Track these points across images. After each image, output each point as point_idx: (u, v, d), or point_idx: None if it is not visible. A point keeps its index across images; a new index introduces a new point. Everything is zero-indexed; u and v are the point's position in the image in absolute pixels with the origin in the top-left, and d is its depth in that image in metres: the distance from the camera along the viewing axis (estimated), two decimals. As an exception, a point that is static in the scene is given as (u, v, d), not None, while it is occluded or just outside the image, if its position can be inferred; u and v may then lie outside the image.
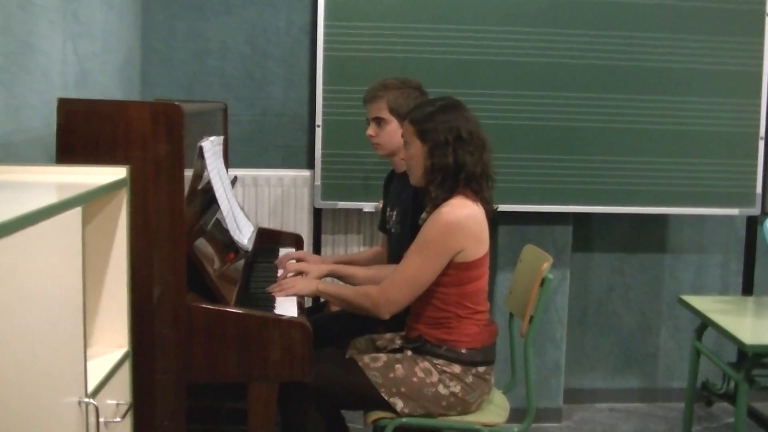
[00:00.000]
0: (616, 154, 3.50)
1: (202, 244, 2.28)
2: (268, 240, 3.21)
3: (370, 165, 3.38)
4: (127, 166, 1.70)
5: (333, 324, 2.85)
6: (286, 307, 2.39)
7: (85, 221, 1.41)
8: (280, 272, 2.74)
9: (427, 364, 2.40)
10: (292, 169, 3.56)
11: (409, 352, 2.45)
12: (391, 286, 2.39)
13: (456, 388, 2.39)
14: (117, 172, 1.67)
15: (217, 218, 2.49)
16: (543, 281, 2.52)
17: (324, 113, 3.38)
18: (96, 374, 1.55)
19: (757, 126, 3.54)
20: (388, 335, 2.65)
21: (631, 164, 3.51)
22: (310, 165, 3.51)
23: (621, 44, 3.44)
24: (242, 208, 2.98)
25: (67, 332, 1.34)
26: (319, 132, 3.39)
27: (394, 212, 2.83)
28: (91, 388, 1.47)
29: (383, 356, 2.46)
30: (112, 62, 2.90)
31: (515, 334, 2.73)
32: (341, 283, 2.73)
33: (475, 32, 3.38)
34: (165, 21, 3.45)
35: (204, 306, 2.14)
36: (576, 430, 3.67)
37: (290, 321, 2.20)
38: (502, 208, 3.26)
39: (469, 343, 2.41)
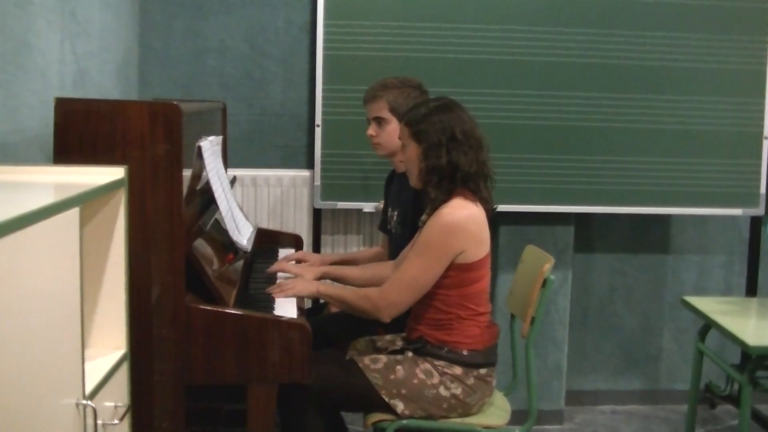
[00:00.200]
0: (618, 154, 3.49)
1: (200, 244, 2.27)
2: (268, 240, 3.21)
3: (369, 165, 3.37)
4: (125, 167, 1.70)
5: (333, 325, 2.84)
6: (286, 308, 2.38)
7: (83, 222, 1.41)
8: (280, 275, 2.73)
9: (428, 366, 2.39)
10: (292, 169, 3.55)
11: (410, 354, 2.44)
12: (392, 289, 2.38)
13: (457, 389, 2.38)
14: (115, 173, 1.67)
15: (216, 219, 2.48)
16: (544, 282, 2.51)
17: (323, 113, 3.37)
18: (94, 376, 1.55)
19: (761, 125, 3.53)
20: (389, 336, 2.64)
21: (634, 164, 3.50)
22: (310, 165, 3.50)
23: (623, 43, 3.43)
24: (241, 209, 2.98)
25: (64, 333, 1.34)
26: (318, 132, 3.38)
27: (395, 213, 2.83)
28: (88, 390, 1.47)
29: (384, 358, 2.45)
30: (110, 62, 2.89)
31: (516, 336, 2.72)
32: (339, 284, 2.72)
33: (475, 31, 3.37)
34: (163, 20, 3.44)
35: (203, 307, 2.13)
36: (577, 432, 3.66)
37: (289, 322, 2.20)
38: (503, 208, 3.25)
39: (471, 345, 2.40)
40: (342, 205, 3.46)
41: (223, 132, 3.12)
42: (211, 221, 2.44)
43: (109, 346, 1.73)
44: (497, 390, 2.59)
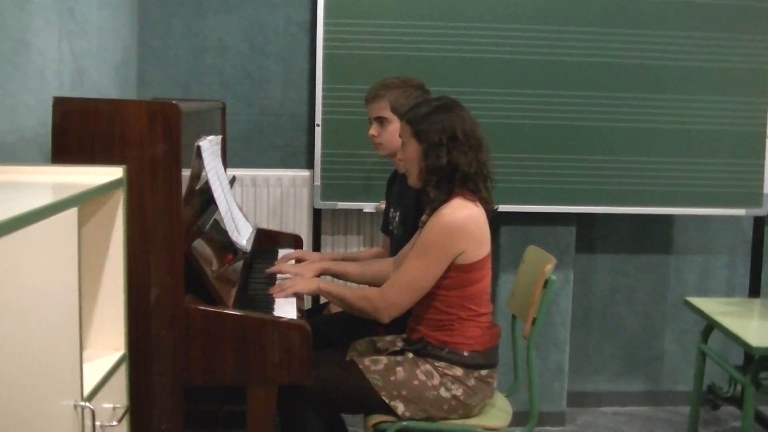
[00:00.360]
0: (619, 154, 3.48)
1: (200, 245, 2.27)
2: (267, 241, 3.20)
3: (370, 165, 3.36)
4: (124, 166, 1.69)
5: (333, 326, 2.84)
6: (285, 308, 2.38)
7: (81, 222, 1.41)
8: (279, 276, 2.72)
9: (428, 367, 2.39)
10: (291, 169, 3.54)
11: (411, 355, 2.43)
12: (391, 290, 2.38)
13: (458, 391, 2.37)
14: (113, 172, 1.67)
15: (215, 219, 2.48)
16: (546, 283, 2.50)
17: (323, 112, 3.36)
18: (92, 377, 1.55)
19: (764, 125, 3.52)
20: (389, 337, 2.63)
21: (636, 164, 3.49)
22: (310, 165, 3.49)
23: (625, 42, 3.42)
24: (241, 209, 2.97)
25: (62, 334, 1.33)
26: (318, 131, 3.37)
27: (397, 213, 2.82)
28: (87, 391, 1.46)
29: (384, 359, 2.44)
30: (108, 61, 2.89)
31: (518, 337, 2.71)
32: (340, 282, 2.72)
33: (476, 30, 3.36)
34: (162, 19, 3.43)
35: (202, 308, 2.13)
36: (579, 434, 3.65)
37: (289, 323, 2.19)
38: (504, 208, 3.24)
39: (472, 346, 2.40)
40: (342, 205, 3.45)
41: (223, 132, 3.12)
42: (211, 221, 2.43)
43: (107, 347, 1.73)
44: (498, 391, 2.59)
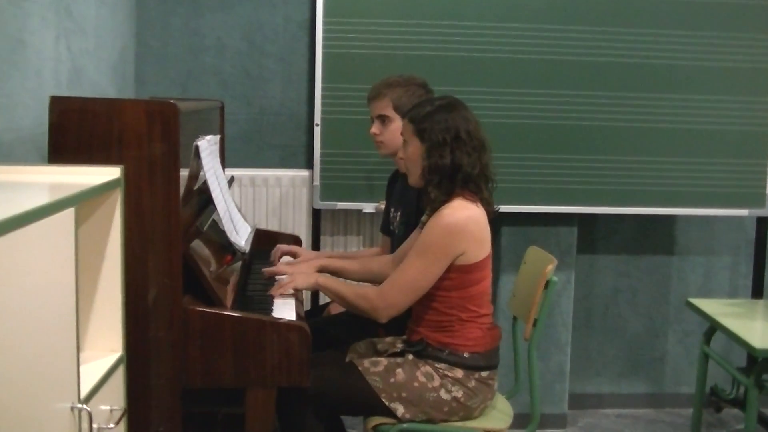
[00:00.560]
0: (621, 154, 3.47)
1: (198, 245, 2.26)
2: (266, 241, 3.19)
3: (370, 165, 3.35)
4: (121, 166, 1.69)
5: (333, 327, 2.83)
6: (285, 310, 2.37)
7: (79, 222, 1.40)
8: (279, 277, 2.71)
9: (428, 369, 2.38)
10: (291, 169, 3.53)
11: (411, 356, 2.43)
12: (390, 290, 2.37)
13: (458, 393, 2.37)
14: (111, 172, 1.67)
15: (213, 219, 2.47)
16: (547, 284, 2.50)
17: (323, 112, 3.36)
18: (89, 379, 1.54)
19: (767, 124, 3.51)
20: (389, 339, 2.62)
21: (638, 164, 3.48)
22: (309, 165, 3.48)
23: (627, 41, 3.42)
24: (239, 209, 2.97)
25: (59, 336, 1.33)
26: (318, 131, 3.36)
27: (398, 213, 2.81)
28: (84, 393, 1.46)
29: (384, 360, 2.43)
30: (105, 59, 2.88)
31: (519, 338, 2.71)
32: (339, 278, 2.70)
33: (476, 29, 3.35)
34: (160, 17, 3.42)
35: (200, 309, 2.12)
36: (580, 436, 3.65)
37: (288, 324, 2.18)
38: (505, 209, 3.23)
39: (472, 347, 2.39)
40: (341, 205, 3.44)
41: (221, 131, 3.11)
42: (209, 222, 2.42)
43: (105, 349, 1.72)
44: (499, 393, 2.59)
